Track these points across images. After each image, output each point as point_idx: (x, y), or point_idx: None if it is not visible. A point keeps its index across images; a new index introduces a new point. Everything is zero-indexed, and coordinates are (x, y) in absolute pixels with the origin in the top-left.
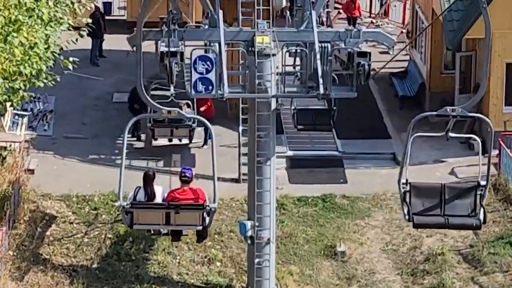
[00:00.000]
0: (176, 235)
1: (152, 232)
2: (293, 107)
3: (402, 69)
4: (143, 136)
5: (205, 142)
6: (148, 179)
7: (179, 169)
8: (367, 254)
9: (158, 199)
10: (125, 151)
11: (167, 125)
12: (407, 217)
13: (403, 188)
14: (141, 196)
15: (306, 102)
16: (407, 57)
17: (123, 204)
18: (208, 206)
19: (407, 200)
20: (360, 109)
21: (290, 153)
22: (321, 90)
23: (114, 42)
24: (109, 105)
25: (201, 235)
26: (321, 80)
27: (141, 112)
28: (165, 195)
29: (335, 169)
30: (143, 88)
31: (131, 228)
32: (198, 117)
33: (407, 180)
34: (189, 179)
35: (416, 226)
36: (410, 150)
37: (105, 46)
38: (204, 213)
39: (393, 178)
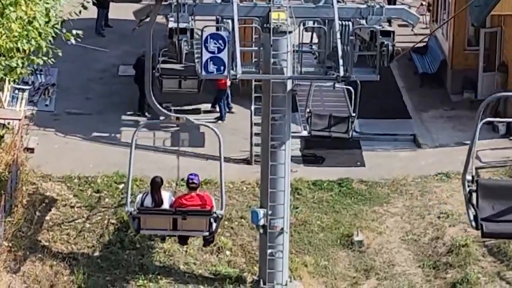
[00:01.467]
0: (183, 239)
1: (158, 235)
2: (307, 110)
3: (423, 44)
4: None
5: (221, 118)
6: (156, 185)
7: (187, 149)
8: (386, 244)
9: (166, 205)
10: (133, 153)
11: (176, 76)
12: (473, 223)
13: (469, 186)
14: (148, 201)
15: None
16: (427, 31)
17: (131, 209)
18: (215, 212)
19: (474, 202)
20: (378, 87)
21: (304, 133)
22: (341, 72)
23: (121, 11)
24: (115, 78)
25: (208, 240)
26: (341, 61)
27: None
28: (173, 199)
29: (352, 151)
30: (151, 89)
31: (138, 233)
32: (205, 123)
33: (473, 177)
34: (197, 185)
35: (486, 235)
36: (477, 134)
37: (111, 15)
38: (211, 219)
39: (413, 162)
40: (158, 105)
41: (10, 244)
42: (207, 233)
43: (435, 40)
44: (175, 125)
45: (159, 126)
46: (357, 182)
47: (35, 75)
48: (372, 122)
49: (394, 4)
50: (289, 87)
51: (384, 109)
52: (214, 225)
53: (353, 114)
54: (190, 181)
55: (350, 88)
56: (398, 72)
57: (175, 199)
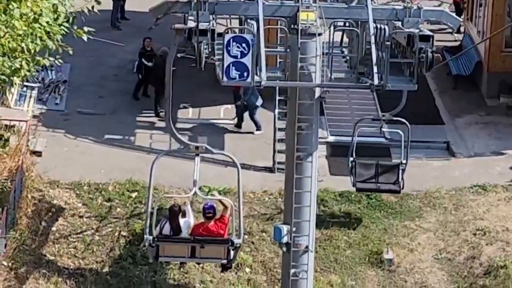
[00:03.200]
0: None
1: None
2: (351, 159)
3: (456, 44)
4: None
5: (257, 128)
6: (174, 214)
7: (204, 154)
8: (418, 263)
9: (184, 231)
10: (152, 186)
11: None
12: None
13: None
14: (167, 230)
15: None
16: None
17: (150, 238)
18: (233, 241)
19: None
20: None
21: (331, 138)
22: (376, 80)
23: (139, 3)
24: (131, 75)
25: (226, 267)
26: (375, 68)
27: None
28: (190, 223)
29: (381, 159)
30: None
31: (156, 260)
32: (225, 152)
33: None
34: (213, 215)
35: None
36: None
37: (128, 7)
38: (229, 247)
39: (447, 172)
40: (177, 135)
41: (12, 262)
42: (225, 261)
43: (470, 39)
44: (192, 129)
45: (179, 152)
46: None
47: (45, 71)
48: (402, 128)
49: (461, 13)
50: (317, 94)
51: (415, 113)
52: (232, 252)
53: (404, 162)
54: (207, 211)
55: (406, 122)
56: (430, 73)
57: (193, 227)
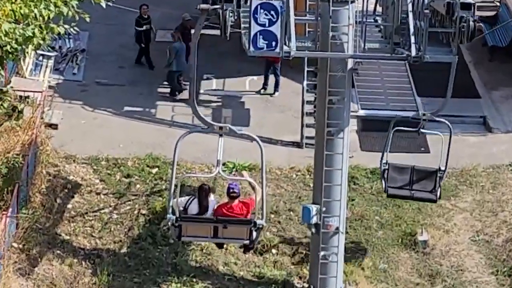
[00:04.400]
0: (220, 243)
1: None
2: (384, 161)
3: (492, 13)
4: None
5: (274, 91)
6: (204, 193)
7: (230, 126)
8: (453, 245)
9: (209, 211)
10: (175, 165)
11: None
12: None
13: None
14: (194, 208)
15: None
16: None
17: (173, 218)
18: (255, 222)
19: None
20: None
21: (361, 112)
22: (413, 51)
23: None
24: (152, 45)
25: (248, 247)
26: (412, 38)
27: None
28: (215, 203)
29: (415, 134)
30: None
31: (179, 240)
32: (249, 133)
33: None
34: (237, 194)
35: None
36: None
37: None
38: (252, 228)
39: (483, 148)
40: (201, 114)
41: (23, 243)
42: (247, 242)
43: (506, 9)
44: (216, 101)
45: (204, 131)
46: None
47: (62, 39)
48: (436, 101)
49: None
50: (349, 65)
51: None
52: (254, 233)
53: (442, 168)
54: (231, 190)
55: (448, 123)
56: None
57: (216, 207)
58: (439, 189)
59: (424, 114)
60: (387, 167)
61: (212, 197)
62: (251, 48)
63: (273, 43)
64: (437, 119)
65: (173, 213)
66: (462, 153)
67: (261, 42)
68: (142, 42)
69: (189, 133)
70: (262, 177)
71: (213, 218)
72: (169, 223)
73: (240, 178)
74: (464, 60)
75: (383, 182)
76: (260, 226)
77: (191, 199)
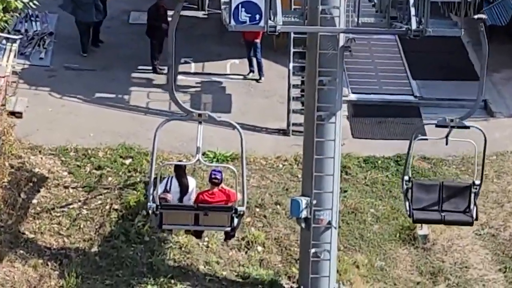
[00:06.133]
0: (198, 232)
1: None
2: (406, 178)
3: None
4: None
5: (260, 76)
6: (181, 170)
7: (209, 113)
8: (456, 239)
9: (191, 193)
10: (155, 151)
11: None
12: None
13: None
14: (175, 186)
15: None
16: None
17: (153, 206)
18: (236, 209)
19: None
20: (439, 41)
21: (353, 96)
22: (413, 24)
23: None
24: (125, 27)
25: (229, 235)
26: (413, 10)
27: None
28: (195, 187)
29: (410, 119)
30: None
31: (159, 228)
32: (227, 120)
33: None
34: (219, 181)
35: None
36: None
37: None
38: (233, 215)
39: (486, 134)
40: (179, 101)
41: None
42: (229, 229)
43: None
44: (195, 86)
45: (183, 118)
46: (418, 159)
47: (28, 21)
48: (433, 84)
49: None
50: (341, 42)
51: (446, 68)
52: (236, 220)
53: (477, 182)
54: (213, 176)
55: (482, 130)
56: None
57: (197, 194)
58: (475, 208)
59: (452, 120)
60: (410, 185)
61: (190, 177)
62: (232, 22)
63: (257, 16)
64: (467, 124)
65: (153, 201)
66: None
67: (244, 15)
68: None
69: (167, 121)
70: (242, 164)
71: (194, 205)
72: (150, 211)
73: (221, 165)
74: (461, 40)
75: (406, 204)
76: (241, 212)
77: (169, 179)
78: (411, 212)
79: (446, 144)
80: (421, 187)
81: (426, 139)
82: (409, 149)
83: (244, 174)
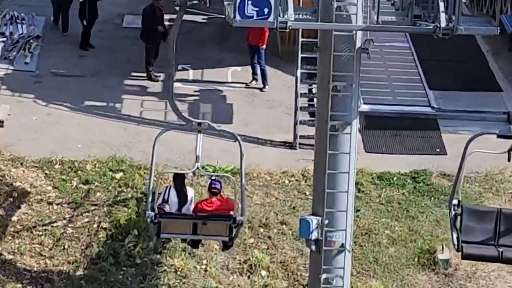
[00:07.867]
0: (195, 242)
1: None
2: (454, 201)
3: None
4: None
5: (264, 85)
6: (180, 179)
7: (209, 122)
8: (481, 265)
9: (190, 202)
10: (154, 161)
11: None
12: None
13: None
14: (173, 197)
15: None
16: None
17: (151, 215)
18: (235, 218)
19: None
20: (456, 50)
21: (365, 107)
22: (442, 22)
23: None
24: (118, 31)
25: (227, 245)
26: (442, 6)
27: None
28: (193, 196)
29: (428, 132)
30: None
31: (158, 237)
32: (227, 129)
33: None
34: (218, 191)
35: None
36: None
37: None
38: (232, 225)
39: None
40: (179, 110)
41: None
42: (227, 238)
43: None
44: (194, 95)
45: (182, 128)
46: (437, 176)
47: (14, 24)
48: (452, 95)
49: None
50: (358, 43)
51: (465, 77)
52: (234, 230)
53: None
54: (213, 186)
55: None
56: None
57: (196, 203)
58: None
59: None
60: (459, 210)
61: (189, 187)
62: (237, 17)
63: (265, 10)
64: None
65: (152, 209)
66: (486, 155)
67: (250, 9)
68: (85, 17)
69: (166, 130)
70: (241, 172)
71: (192, 214)
72: (148, 220)
73: (220, 175)
74: (480, 48)
75: (453, 235)
76: (240, 222)
77: (168, 189)
78: (459, 246)
79: (509, 160)
80: (473, 214)
81: (494, 133)
82: (461, 165)
83: (243, 182)
